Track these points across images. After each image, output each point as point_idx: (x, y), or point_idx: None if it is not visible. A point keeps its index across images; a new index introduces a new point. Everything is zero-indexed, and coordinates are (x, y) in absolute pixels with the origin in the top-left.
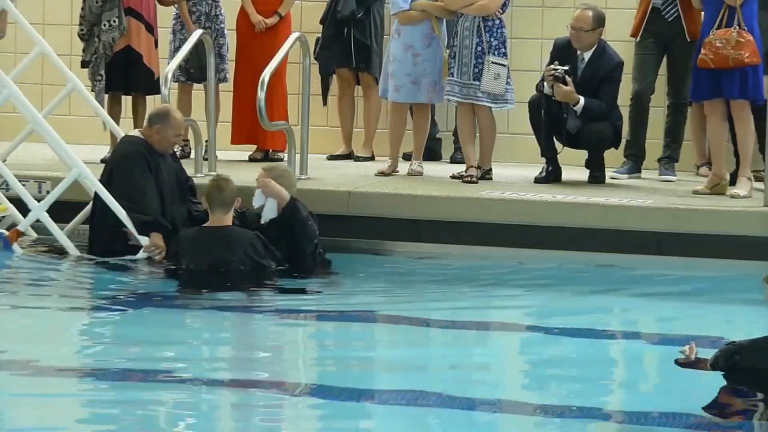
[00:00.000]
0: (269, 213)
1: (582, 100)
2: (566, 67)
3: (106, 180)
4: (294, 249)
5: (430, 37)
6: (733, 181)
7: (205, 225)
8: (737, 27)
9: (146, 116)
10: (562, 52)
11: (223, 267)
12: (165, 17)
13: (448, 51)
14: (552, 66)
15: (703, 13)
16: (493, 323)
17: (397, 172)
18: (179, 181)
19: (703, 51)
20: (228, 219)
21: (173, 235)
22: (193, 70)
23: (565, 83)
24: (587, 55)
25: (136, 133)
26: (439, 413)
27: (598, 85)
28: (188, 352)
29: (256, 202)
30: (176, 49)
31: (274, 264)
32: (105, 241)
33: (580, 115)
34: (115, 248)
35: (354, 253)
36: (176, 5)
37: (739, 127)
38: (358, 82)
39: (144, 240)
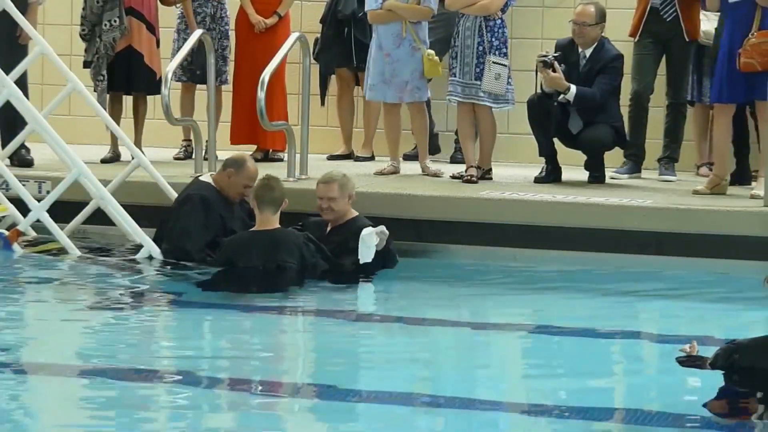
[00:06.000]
0: (368, 257)
1: (573, 88)
2: (557, 54)
3: (164, 218)
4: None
5: (400, 38)
6: (733, 182)
7: (254, 229)
8: None
9: (223, 162)
10: (564, 51)
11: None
12: (169, 17)
13: (429, 51)
14: (542, 52)
15: (706, 13)
16: (492, 323)
17: (397, 172)
18: (247, 227)
19: (746, 54)
20: (276, 220)
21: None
22: (199, 72)
23: (554, 70)
24: (588, 52)
25: (207, 177)
26: (439, 413)
27: (596, 78)
28: (188, 352)
29: (377, 242)
30: (179, 49)
31: (326, 263)
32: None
33: (573, 103)
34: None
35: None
36: (177, 5)
37: (764, 128)
38: (357, 82)
39: None
